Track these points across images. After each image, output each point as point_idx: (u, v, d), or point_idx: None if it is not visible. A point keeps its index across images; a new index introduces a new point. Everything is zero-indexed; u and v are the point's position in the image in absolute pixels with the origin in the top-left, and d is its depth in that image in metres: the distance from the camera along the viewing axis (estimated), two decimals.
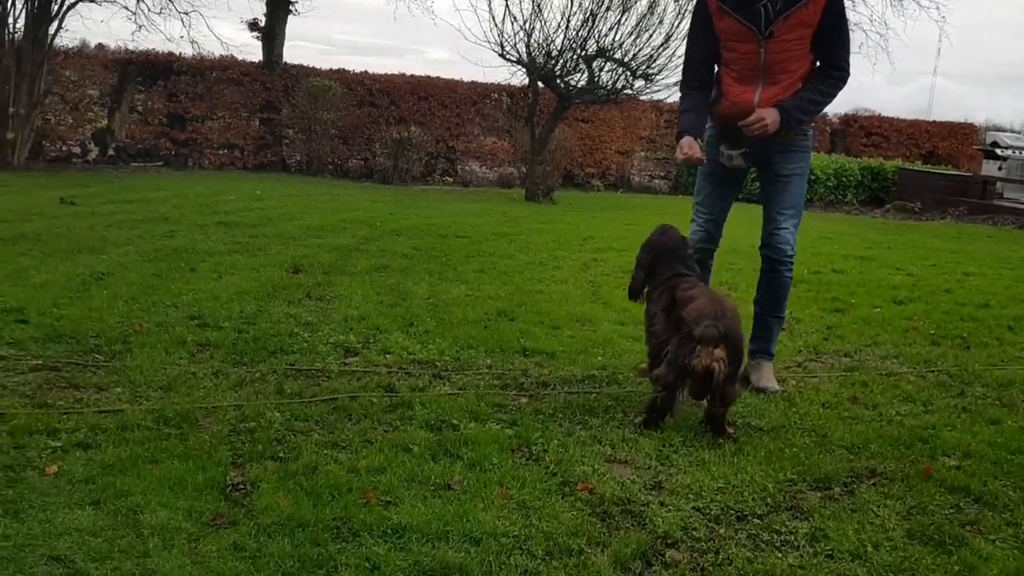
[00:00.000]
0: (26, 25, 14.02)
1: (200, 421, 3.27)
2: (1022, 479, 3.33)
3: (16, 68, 13.77)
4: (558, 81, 14.37)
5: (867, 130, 21.41)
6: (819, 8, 3.92)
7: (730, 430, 3.60)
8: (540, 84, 14.69)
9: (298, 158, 17.72)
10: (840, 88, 4.15)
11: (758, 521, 2.85)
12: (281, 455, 3.01)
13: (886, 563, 2.63)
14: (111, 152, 16.35)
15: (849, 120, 21.54)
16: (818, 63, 4.14)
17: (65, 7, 14.50)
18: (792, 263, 4.37)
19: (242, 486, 2.73)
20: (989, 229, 14.78)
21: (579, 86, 14.70)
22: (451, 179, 17.89)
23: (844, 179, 17.52)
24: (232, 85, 17.29)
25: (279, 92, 17.42)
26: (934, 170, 18.38)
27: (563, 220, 11.82)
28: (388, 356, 4.43)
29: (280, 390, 3.71)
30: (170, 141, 16.91)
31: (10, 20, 13.97)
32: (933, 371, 5.05)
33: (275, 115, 17.51)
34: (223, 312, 5.11)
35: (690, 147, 4.05)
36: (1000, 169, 18.83)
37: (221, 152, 17.30)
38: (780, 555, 2.64)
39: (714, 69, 4.25)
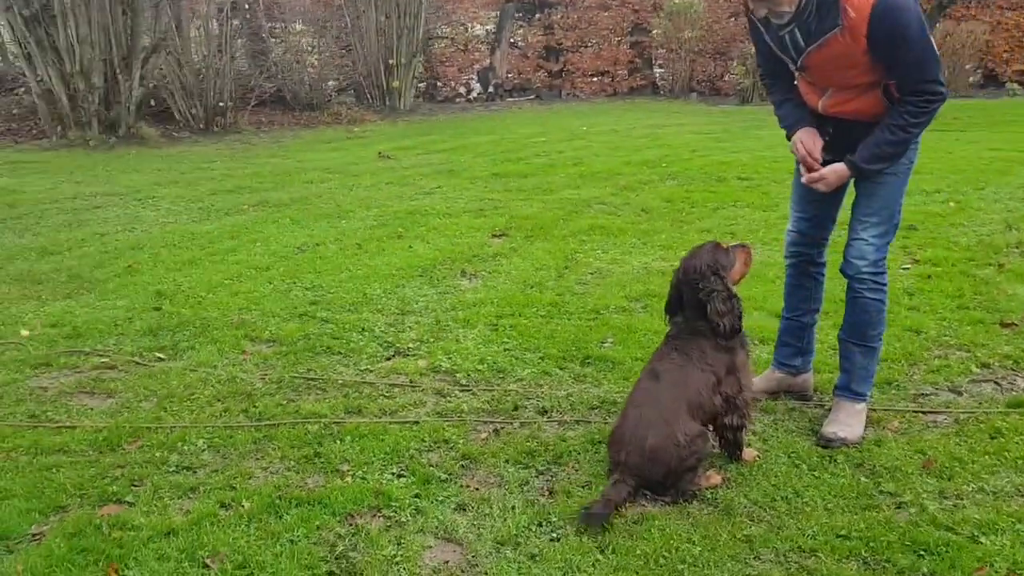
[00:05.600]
0: None
1: (125, 446, 3.47)
2: None
3: (396, 22, 15.20)
4: None
5: None
6: (859, 37, 3.04)
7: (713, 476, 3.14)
8: None
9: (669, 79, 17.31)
10: (928, 111, 3.18)
11: None
12: (129, 499, 3.07)
13: None
14: (491, 89, 17.39)
15: None
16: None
17: None
18: (873, 281, 3.43)
19: (38, 536, 2.85)
20: None
21: None
22: None
23: None
24: (602, 11, 17.30)
25: (647, 12, 17.05)
26: None
27: None
28: (421, 362, 4.28)
29: (247, 409, 3.78)
30: (545, 73, 17.49)
31: None
32: None
33: (644, 37, 17.20)
34: (346, 297, 5.29)
35: (811, 142, 3.39)
36: None
37: (592, 80, 17.49)
38: None
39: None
